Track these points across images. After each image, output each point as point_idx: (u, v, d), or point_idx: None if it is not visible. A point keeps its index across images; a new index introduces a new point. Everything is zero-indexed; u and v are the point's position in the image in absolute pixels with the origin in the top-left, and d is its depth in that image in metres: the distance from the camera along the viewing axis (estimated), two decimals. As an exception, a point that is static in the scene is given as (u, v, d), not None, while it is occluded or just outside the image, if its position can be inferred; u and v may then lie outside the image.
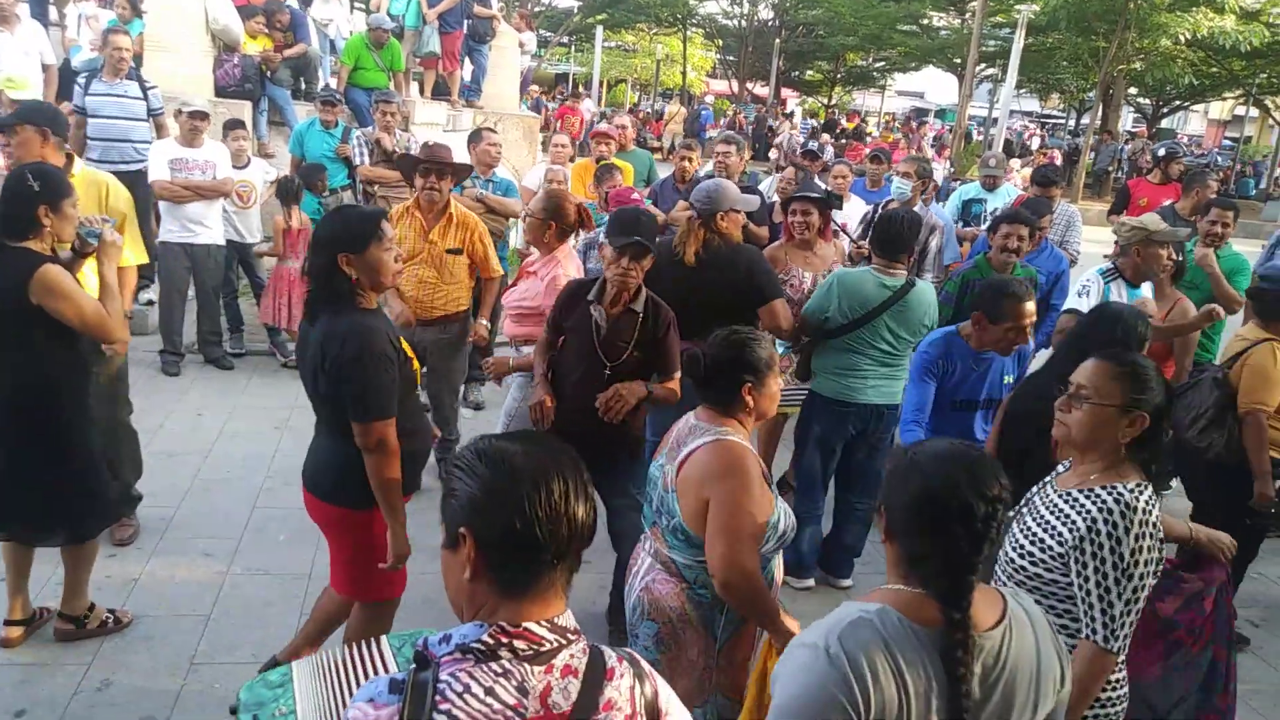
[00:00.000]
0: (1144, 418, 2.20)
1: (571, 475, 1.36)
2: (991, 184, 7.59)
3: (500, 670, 1.30)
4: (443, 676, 1.29)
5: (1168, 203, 7.27)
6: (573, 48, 39.30)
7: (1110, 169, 26.50)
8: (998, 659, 1.59)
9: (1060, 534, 2.21)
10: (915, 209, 6.11)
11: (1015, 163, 18.76)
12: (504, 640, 1.31)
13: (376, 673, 1.82)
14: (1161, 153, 8.62)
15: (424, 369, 4.67)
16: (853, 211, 6.85)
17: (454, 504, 1.36)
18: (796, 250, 5.00)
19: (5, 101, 5.69)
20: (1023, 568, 2.28)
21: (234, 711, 2.15)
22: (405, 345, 3.03)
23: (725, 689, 2.72)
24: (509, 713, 1.28)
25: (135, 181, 6.02)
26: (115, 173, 6.32)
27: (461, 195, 6.05)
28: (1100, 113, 27.50)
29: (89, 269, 3.61)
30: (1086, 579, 2.15)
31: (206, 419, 5.85)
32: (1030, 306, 3.64)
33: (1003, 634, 1.60)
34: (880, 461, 4.35)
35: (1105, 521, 2.13)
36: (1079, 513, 2.19)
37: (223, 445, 5.48)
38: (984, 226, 7.13)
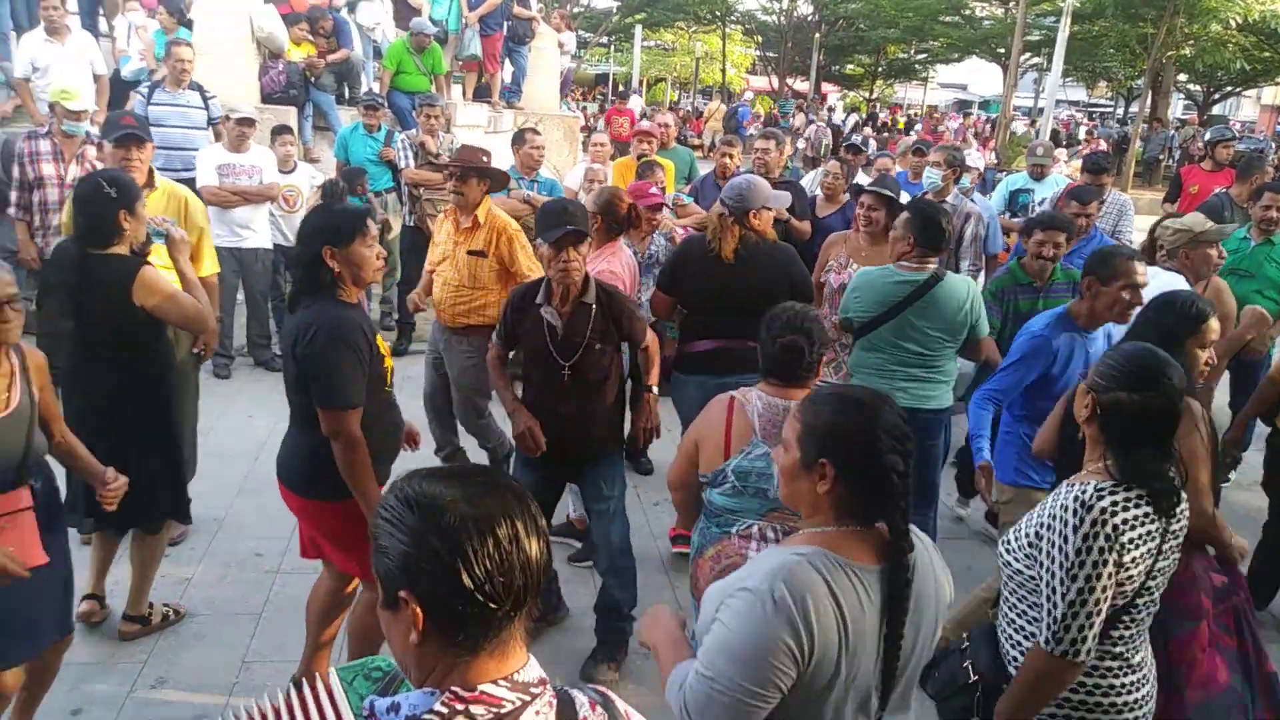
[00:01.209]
0: (1092, 399, 2.11)
1: (519, 514, 1.19)
2: (1039, 173, 7.47)
3: None
4: None
5: (1220, 189, 7.10)
6: (612, 48, 39.37)
7: (1161, 157, 25.94)
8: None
9: (1031, 526, 2.16)
10: (949, 198, 6.03)
11: (1062, 153, 18.42)
12: (459, 707, 1.15)
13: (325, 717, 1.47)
14: (1209, 137, 8.42)
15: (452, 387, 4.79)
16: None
17: (386, 562, 1.18)
18: (855, 241, 4.87)
19: (60, 113, 5.80)
20: (1008, 563, 2.23)
21: None
22: (381, 343, 3.08)
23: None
24: None
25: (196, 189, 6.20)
26: (178, 180, 6.50)
27: (508, 197, 6.08)
28: (1149, 100, 26.92)
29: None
30: (1039, 575, 2.10)
31: (257, 420, 5.93)
32: (1142, 265, 3.45)
33: (912, 562, 1.73)
34: (926, 472, 4.14)
35: (1059, 518, 2.05)
36: (1047, 507, 2.13)
37: (272, 446, 5.44)
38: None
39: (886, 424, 1.71)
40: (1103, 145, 24.11)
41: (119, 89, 8.56)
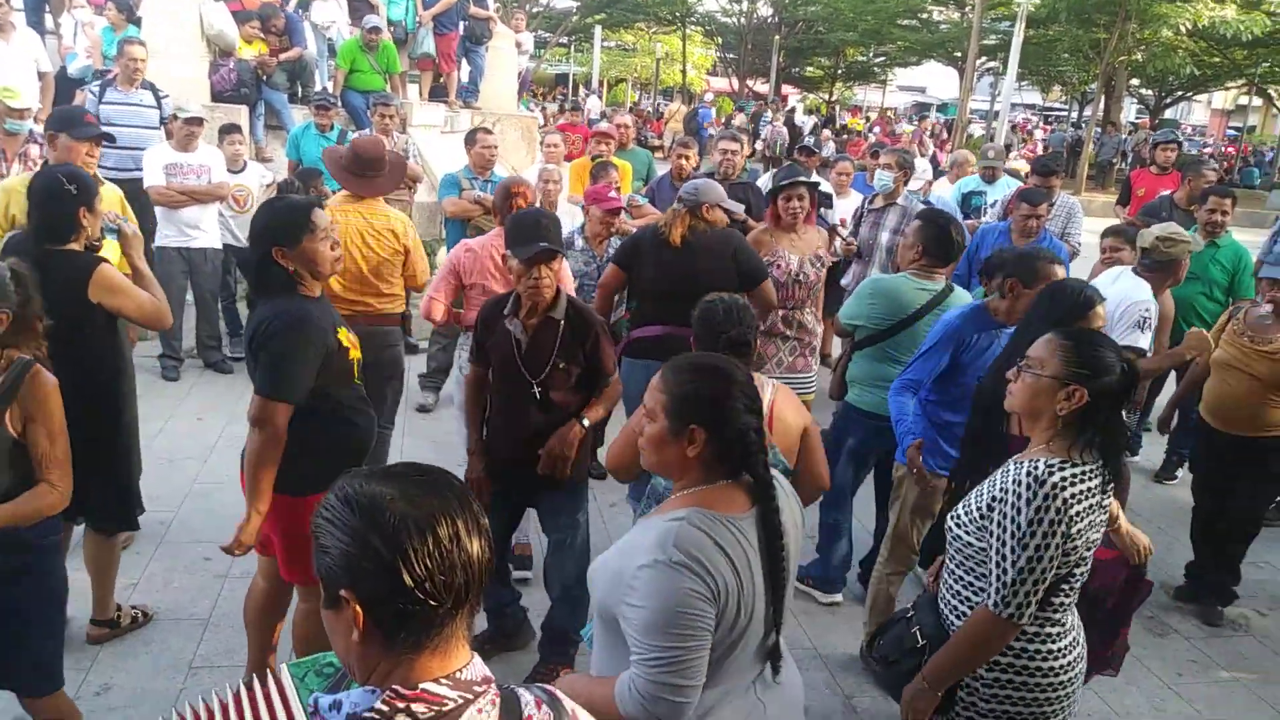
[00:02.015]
0: (1081, 392, 2.18)
1: (460, 513, 1.19)
2: (991, 175, 7.58)
3: None
4: None
5: (1165, 193, 7.24)
6: (572, 48, 39.32)
7: (1114, 160, 26.45)
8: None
9: (982, 501, 2.26)
10: (899, 200, 6.12)
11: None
12: (400, 706, 1.16)
13: (274, 714, 1.48)
14: (1151, 140, 8.58)
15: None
16: (850, 207, 6.84)
17: (327, 561, 1.18)
18: (782, 233, 4.98)
19: (2, 111, 5.67)
20: (957, 536, 2.32)
21: None
22: (345, 336, 3.03)
23: None
24: None
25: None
26: (129, 180, 6.40)
27: (460, 197, 6.05)
28: (1102, 104, 27.42)
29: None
30: (989, 545, 2.21)
31: (206, 422, 5.85)
32: (1061, 270, 3.50)
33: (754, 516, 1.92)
34: None
35: (1012, 491, 2.16)
36: (998, 481, 2.24)
37: (222, 449, 5.47)
38: (984, 219, 7.12)
39: (742, 386, 1.91)
40: (1040, 150, 24.56)
41: (65, 87, 8.40)
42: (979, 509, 2.27)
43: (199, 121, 6.46)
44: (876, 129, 26.40)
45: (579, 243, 5.21)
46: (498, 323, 3.42)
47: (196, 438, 5.63)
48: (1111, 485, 2.26)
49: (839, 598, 4.40)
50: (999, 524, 2.19)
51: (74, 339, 3.32)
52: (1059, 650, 2.29)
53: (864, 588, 4.31)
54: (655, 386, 1.96)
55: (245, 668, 3.38)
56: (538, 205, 4.92)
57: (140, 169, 6.47)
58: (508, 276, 4.08)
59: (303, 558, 3.06)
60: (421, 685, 1.17)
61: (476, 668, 1.23)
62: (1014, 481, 2.17)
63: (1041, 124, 35.88)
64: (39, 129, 5.92)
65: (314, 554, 1.21)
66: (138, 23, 8.76)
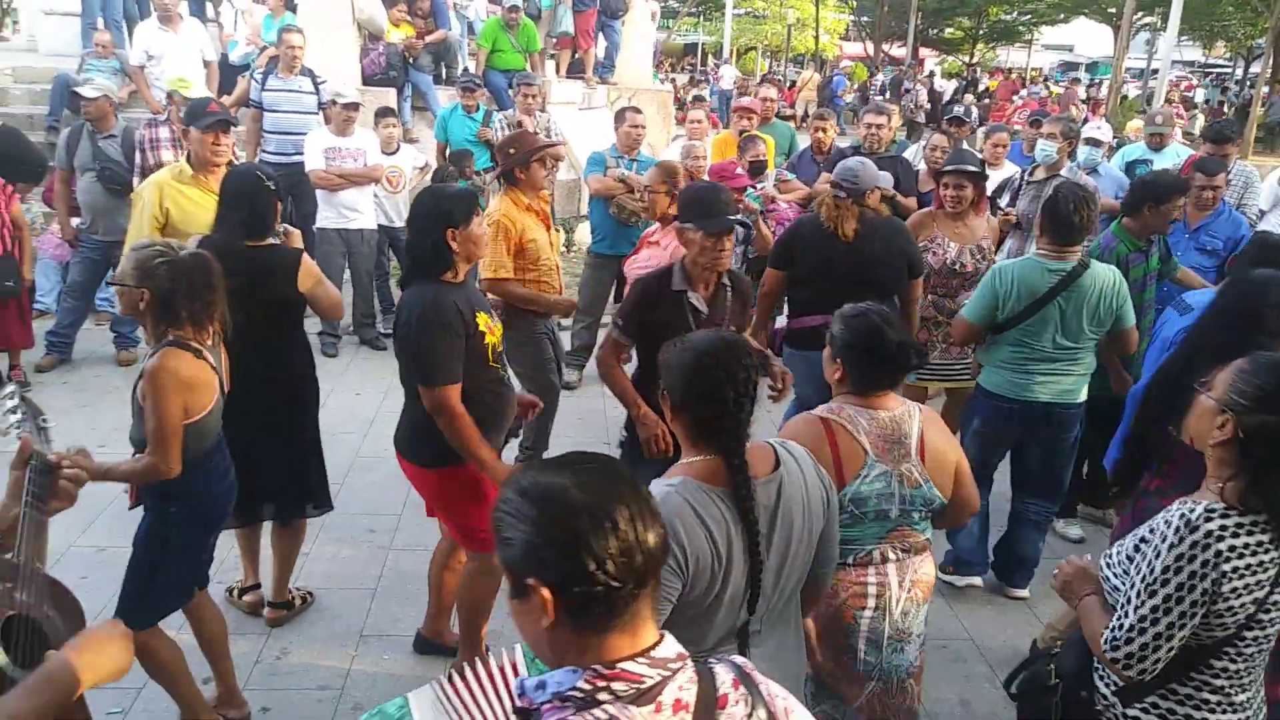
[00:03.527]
0: (1230, 423, 1.93)
1: (634, 501, 1.23)
2: (1158, 143, 7.13)
3: (605, 716, 1.19)
4: None
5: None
6: (701, 17, 38.90)
7: (1284, 121, 24.53)
8: (777, 498, 2.01)
9: (1133, 540, 2.06)
10: (1063, 171, 5.80)
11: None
12: (601, 684, 1.20)
13: (502, 693, 1.72)
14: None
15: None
16: (1001, 178, 6.55)
17: (511, 553, 1.24)
18: (946, 220, 4.82)
19: (178, 101, 6.00)
20: (1106, 578, 2.13)
21: None
22: (482, 318, 3.11)
23: None
24: None
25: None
26: (290, 164, 6.69)
27: (605, 175, 6.08)
28: (1271, 61, 25.40)
29: None
30: (1126, 584, 2.01)
31: (364, 398, 6.09)
32: None
33: (779, 478, 2.02)
34: (1058, 465, 4.02)
35: (1159, 532, 1.95)
36: (1155, 520, 2.01)
37: (380, 422, 5.68)
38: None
39: (736, 371, 1.98)
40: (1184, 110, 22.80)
41: (228, 74, 8.84)
42: (1128, 549, 2.07)
43: (356, 106, 6.68)
44: (1024, 92, 25.17)
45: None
46: (661, 299, 3.43)
47: (355, 412, 5.86)
48: None
49: (976, 580, 4.30)
50: (1137, 565, 1.99)
51: (286, 333, 3.54)
52: (1230, 705, 2.02)
53: (995, 576, 4.29)
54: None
55: (420, 627, 3.59)
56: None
57: (300, 154, 6.75)
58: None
59: (456, 519, 3.26)
60: (620, 665, 1.21)
61: (669, 645, 1.26)
62: (1164, 523, 1.96)
63: (1189, 83, 33.25)
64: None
65: (498, 546, 1.26)
66: (294, 9, 9.12)
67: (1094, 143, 6.38)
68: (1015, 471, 4.20)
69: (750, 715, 1.29)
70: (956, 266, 4.67)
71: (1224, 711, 2.02)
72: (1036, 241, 3.93)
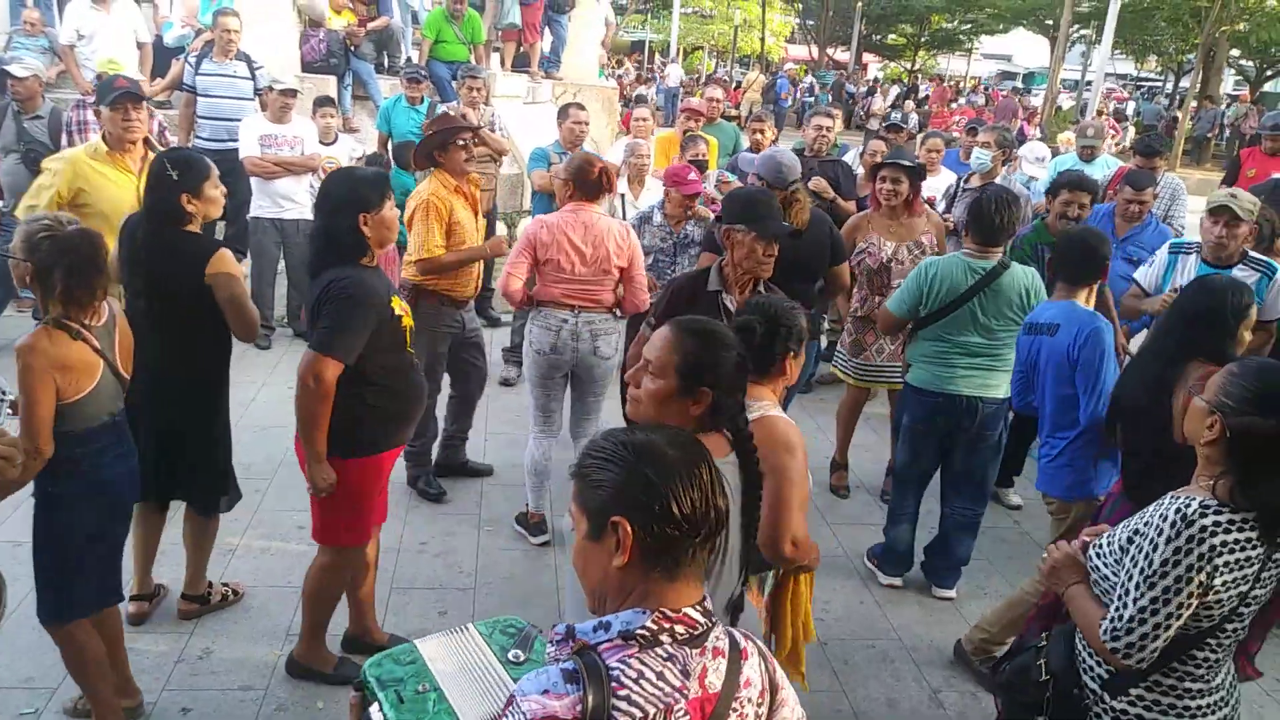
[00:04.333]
0: (1218, 423, 2.02)
1: (712, 466, 1.42)
2: (1089, 155, 7.31)
3: (665, 655, 1.34)
4: (611, 664, 1.32)
5: (1278, 175, 6.89)
6: (649, 14, 38.92)
7: (1210, 135, 25.34)
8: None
9: (1126, 532, 2.13)
10: (996, 179, 5.94)
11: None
12: (665, 626, 1.35)
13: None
14: (1267, 123, 8.16)
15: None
16: (941, 185, 6.66)
17: (602, 494, 1.38)
18: (880, 219, 4.90)
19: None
20: (1096, 568, 2.20)
21: (360, 688, 2.08)
22: (397, 303, 3.11)
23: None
24: (676, 695, 1.33)
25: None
26: (224, 150, 6.53)
27: (548, 171, 6.04)
28: (1200, 76, 26.25)
29: None
30: (1120, 578, 2.09)
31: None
32: None
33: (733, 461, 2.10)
34: (980, 463, 4.11)
35: (1155, 526, 2.02)
36: (1147, 513, 2.09)
37: (313, 418, 5.57)
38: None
39: (739, 356, 2.13)
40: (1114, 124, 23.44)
41: (162, 56, 8.59)
42: (1120, 541, 2.14)
43: (294, 93, 6.55)
44: (963, 100, 25.66)
45: (657, 218, 5.22)
46: (697, 301, 3.40)
47: (288, 406, 5.68)
48: None
49: (897, 581, 4.37)
50: (1132, 558, 2.05)
51: (195, 320, 3.37)
52: (1198, 709, 2.12)
53: (924, 576, 4.36)
54: (665, 346, 2.09)
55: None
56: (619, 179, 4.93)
57: (235, 140, 6.60)
58: (582, 251, 4.17)
59: (329, 515, 3.19)
60: (683, 610, 1.37)
61: (710, 602, 1.45)
62: (1160, 516, 2.03)
63: (1119, 94, 34.15)
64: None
65: (581, 491, 1.41)
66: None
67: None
68: (943, 475, 4.28)
69: (761, 665, 1.48)
70: (892, 265, 4.73)
71: (1204, 696, 2.14)
72: (963, 241, 4.07)
